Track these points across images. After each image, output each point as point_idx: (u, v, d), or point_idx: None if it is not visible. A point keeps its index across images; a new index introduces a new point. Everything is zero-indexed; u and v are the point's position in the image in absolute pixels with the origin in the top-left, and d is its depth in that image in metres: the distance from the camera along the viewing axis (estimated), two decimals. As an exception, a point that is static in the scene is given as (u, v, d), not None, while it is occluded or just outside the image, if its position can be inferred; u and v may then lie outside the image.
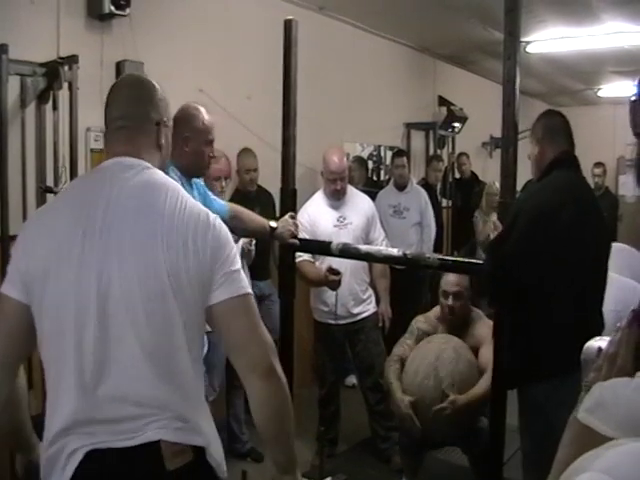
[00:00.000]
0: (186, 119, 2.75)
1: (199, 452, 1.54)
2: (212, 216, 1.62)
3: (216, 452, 1.59)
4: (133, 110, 1.70)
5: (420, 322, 3.77)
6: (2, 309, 1.59)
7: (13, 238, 3.45)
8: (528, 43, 6.96)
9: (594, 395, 0.63)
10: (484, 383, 3.09)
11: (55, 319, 1.51)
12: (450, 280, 3.57)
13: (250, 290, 1.61)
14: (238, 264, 1.61)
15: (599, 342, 0.87)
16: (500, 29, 2.64)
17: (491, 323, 2.79)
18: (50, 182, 3.76)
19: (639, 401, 0.57)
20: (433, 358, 3.29)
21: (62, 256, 1.51)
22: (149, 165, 1.64)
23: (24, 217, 3.69)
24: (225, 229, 1.63)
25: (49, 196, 3.74)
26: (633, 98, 0.61)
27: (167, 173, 2.48)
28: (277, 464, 1.67)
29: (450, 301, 3.52)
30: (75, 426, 1.49)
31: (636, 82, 0.61)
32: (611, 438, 0.58)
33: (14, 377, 1.63)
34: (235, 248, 1.65)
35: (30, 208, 3.73)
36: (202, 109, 2.83)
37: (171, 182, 1.65)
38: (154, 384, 1.50)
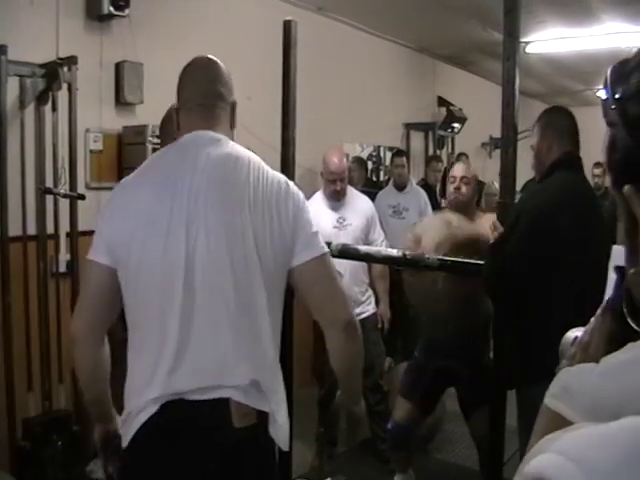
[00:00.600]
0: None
1: (263, 417, 1.61)
2: (290, 183, 1.74)
3: (280, 422, 1.66)
4: (211, 89, 1.80)
5: None
6: (90, 275, 1.69)
7: (13, 239, 3.50)
8: (528, 43, 6.97)
9: (560, 380, 0.64)
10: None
11: (141, 284, 1.60)
12: (457, 167, 3.62)
13: (327, 249, 1.73)
14: (315, 226, 1.73)
15: (576, 332, 0.88)
16: (499, 30, 2.63)
17: (494, 216, 2.76)
18: (49, 183, 3.76)
19: (602, 387, 0.58)
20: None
21: (149, 222, 1.59)
22: (228, 139, 1.74)
23: (23, 218, 3.69)
24: (302, 195, 1.75)
25: (48, 197, 3.74)
26: (604, 97, 0.62)
27: None
28: (347, 398, 2.01)
29: (457, 183, 3.48)
30: (155, 390, 1.57)
31: (603, 86, 0.62)
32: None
33: (102, 342, 1.73)
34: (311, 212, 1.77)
35: (29, 209, 3.74)
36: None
37: (251, 154, 1.74)
38: (235, 350, 1.58)
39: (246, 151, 1.74)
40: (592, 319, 0.82)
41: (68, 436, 3.59)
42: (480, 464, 3.37)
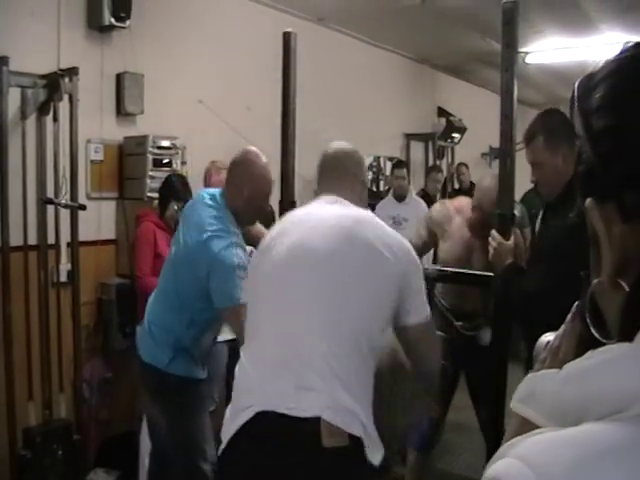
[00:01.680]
0: (246, 164, 2.68)
1: (356, 441, 1.63)
2: (406, 243, 1.90)
3: (373, 445, 1.68)
4: (340, 164, 2.12)
5: (435, 210, 3.59)
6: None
7: (14, 249, 3.51)
8: (527, 54, 6.99)
9: (526, 385, 0.65)
10: None
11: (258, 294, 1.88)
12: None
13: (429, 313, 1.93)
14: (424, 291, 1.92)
15: (549, 336, 0.89)
16: (499, 40, 2.64)
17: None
18: (50, 193, 3.78)
19: (563, 393, 0.59)
20: None
21: (269, 282, 1.86)
22: (345, 201, 1.98)
23: (24, 228, 3.71)
24: (417, 257, 1.95)
25: (49, 207, 3.76)
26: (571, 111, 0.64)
27: (214, 196, 2.58)
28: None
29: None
30: (257, 387, 1.69)
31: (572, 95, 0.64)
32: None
33: None
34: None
35: (30, 219, 3.75)
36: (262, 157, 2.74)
37: (367, 214, 1.96)
38: (330, 372, 1.66)
39: (367, 213, 1.97)
40: (563, 324, 0.84)
41: (68, 445, 3.59)
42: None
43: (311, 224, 1.87)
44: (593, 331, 0.64)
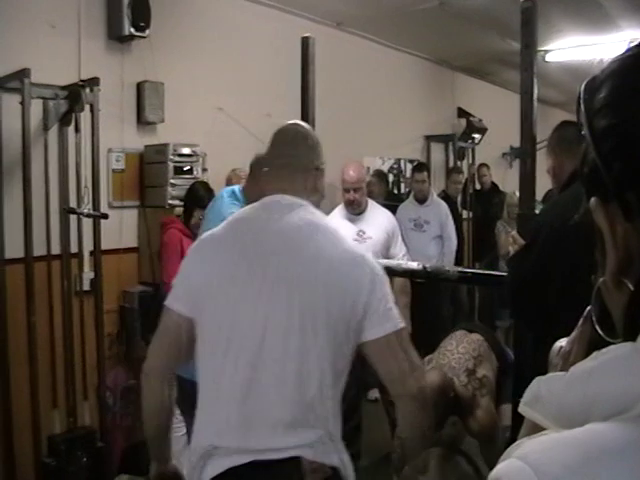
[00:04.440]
0: None
1: (335, 471, 1.64)
2: (368, 258, 1.72)
3: (348, 472, 1.69)
4: (293, 152, 1.84)
5: None
6: (167, 321, 1.77)
7: (37, 258, 3.55)
8: (547, 52, 6.93)
9: (533, 388, 0.65)
10: None
11: (212, 336, 1.68)
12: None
13: (403, 324, 1.73)
14: (390, 302, 1.71)
15: (562, 342, 0.89)
16: (518, 39, 2.63)
17: None
18: (73, 203, 3.82)
19: (568, 395, 0.59)
20: None
21: (225, 281, 1.67)
22: (306, 203, 1.76)
23: (48, 237, 3.75)
24: (379, 267, 1.74)
25: (72, 217, 3.79)
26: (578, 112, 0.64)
27: (233, 192, 2.56)
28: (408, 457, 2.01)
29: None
30: (223, 443, 1.61)
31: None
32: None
33: (168, 385, 1.81)
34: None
35: (53, 229, 3.79)
36: None
37: (327, 222, 1.81)
38: (301, 408, 1.61)
39: (323, 219, 1.79)
40: (575, 329, 0.84)
41: (93, 453, 3.61)
42: None
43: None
44: (598, 330, 0.64)
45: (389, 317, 1.68)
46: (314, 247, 1.67)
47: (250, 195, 2.61)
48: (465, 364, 3.30)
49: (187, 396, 2.54)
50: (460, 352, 3.39)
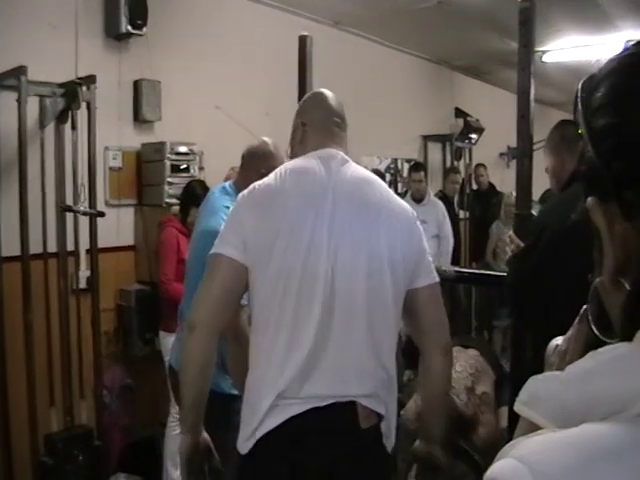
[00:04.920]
0: (265, 156, 2.68)
1: (380, 418, 1.74)
2: (411, 209, 1.85)
3: (389, 422, 1.77)
4: (340, 113, 1.95)
5: None
6: (222, 268, 1.72)
7: (34, 257, 3.54)
8: (544, 52, 6.94)
9: (529, 388, 0.65)
10: None
11: (279, 289, 1.67)
12: None
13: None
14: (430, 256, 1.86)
15: (559, 340, 0.89)
16: (516, 39, 2.63)
17: None
18: (69, 201, 3.81)
19: (565, 394, 0.59)
20: None
21: (293, 231, 1.68)
22: (351, 160, 1.85)
23: (44, 235, 3.74)
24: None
25: (68, 215, 3.78)
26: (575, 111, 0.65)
27: (224, 187, 2.56)
28: (430, 437, 1.92)
29: None
30: (289, 393, 1.64)
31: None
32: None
33: (218, 337, 1.77)
34: None
35: (50, 227, 3.78)
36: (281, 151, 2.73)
37: (375, 176, 1.87)
38: (365, 363, 1.69)
39: (374, 175, 1.88)
40: (571, 327, 0.84)
41: (90, 451, 3.60)
42: None
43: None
44: (595, 330, 0.65)
45: (433, 268, 1.84)
46: (374, 198, 1.76)
47: (242, 187, 2.59)
48: (464, 382, 3.33)
49: None
50: (458, 371, 3.41)
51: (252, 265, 1.69)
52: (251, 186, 1.82)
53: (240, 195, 1.83)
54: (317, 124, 1.92)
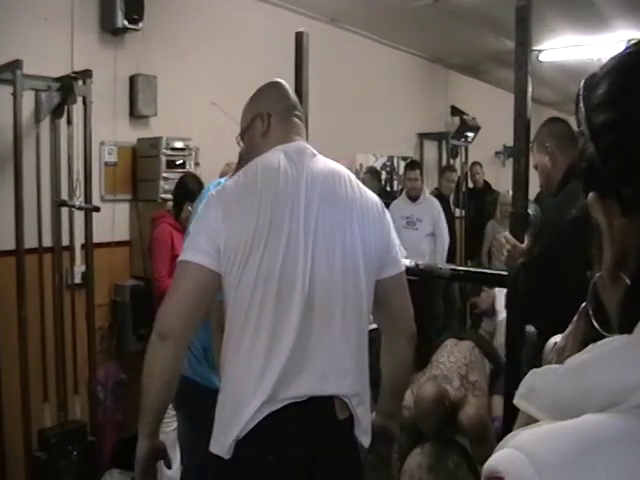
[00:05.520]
0: None
1: (355, 411, 1.76)
2: (380, 200, 1.87)
3: (364, 414, 1.78)
4: (298, 105, 1.95)
5: None
6: (191, 275, 1.69)
7: (28, 251, 3.53)
8: (540, 51, 6.95)
9: (527, 381, 0.66)
10: None
11: (258, 289, 1.64)
12: None
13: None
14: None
15: (557, 338, 0.90)
16: (512, 38, 2.63)
17: None
18: (65, 195, 3.80)
19: (563, 386, 0.60)
20: None
21: (271, 232, 1.65)
22: (317, 153, 1.84)
23: (39, 230, 3.73)
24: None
25: (64, 210, 3.77)
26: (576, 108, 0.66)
27: (219, 183, 2.56)
28: (388, 413, 2.01)
29: None
30: (264, 394, 1.63)
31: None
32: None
33: (184, 352, 1.77)
34: None
35: (45, 221, 3.77)
36: None
37: (343, 169, 1.85)
38: (345, 360, 1.71)
39: (342, 167, 1.86)
40: (570, 324, 0.85)
41: (83, 447, 3.60)
42: None
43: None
44: (595, 324, 0.65)
45: (400, 257, 1.87)
46: (345, 193, 1.76)
47: None
48: (457, 371, 3.35)
49: (183, 392, 2.51)
50: (451, 361, 3.43)
51: (228, 269, 1.65)
52: (220, 186, 1.78)
53: (210, 195, 1.76)
54: (281, 115, 1.88)
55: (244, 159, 1.91)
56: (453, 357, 3.47)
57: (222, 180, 2.67)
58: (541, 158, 2.67)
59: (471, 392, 3.27)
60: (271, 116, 1.87)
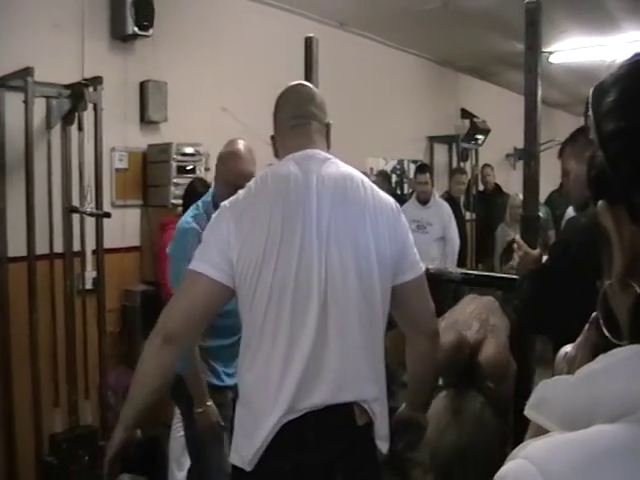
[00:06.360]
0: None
1: (374, 416, 1.76)
2: (396, 203, 1.85)
3: (382, 420, 1.78)
4: (311, 110, 1.87)
5: None
6: (199, 287, 1.70)
7: (40, 257, 3.55)
8: (550, 53, 6.93)
9: (538, 392, 0.66)
10: None
11: (273, 299, 1.65)
12: None
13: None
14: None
15: (567, 348, 0.89)
16: (521, 40, 2.62)
17: None
18: (76, 202, 3.81)
19: (574, 397, 0.60)
20: None
21: (284, 242, 1.65)
22: (332, 157, 1.81)
23: (50, 236, 3.74)
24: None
25: (75, 216, 3.79)
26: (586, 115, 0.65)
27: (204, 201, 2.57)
28: (415, 405, 2.05)
29: None
30: (283, 403, 1.63)
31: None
32: None
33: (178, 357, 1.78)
34: None
35: (56, 227, 3.79)
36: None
37: (358, 172, 1.83)
38: (363, 366, 1.71)
39: (355, 170, 1.83)
40: (581, 334, 0.85)
41: (94, 451, 3.60)
42: None
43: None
44: (606, 333, 0.64)
45: (418, 260, 1.83)
46: (358, 196, 1.74)
47: (219, 195, 2.61)
48: (478, 316, 3.29)
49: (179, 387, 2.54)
50: (471, 309, 3.37)
51: (242, 281, 1.66)
52: (234, 196, 1.78)
53: (222, 206, 1.77)
54: (287, 127, 1.87)
55: None
56: (473, 305, 3.41)
57: (190, 219, 2.65)
58: (572, 166, 2.47)
59: (491, 333, 3.20)
60: (275, 138, 1.91)
